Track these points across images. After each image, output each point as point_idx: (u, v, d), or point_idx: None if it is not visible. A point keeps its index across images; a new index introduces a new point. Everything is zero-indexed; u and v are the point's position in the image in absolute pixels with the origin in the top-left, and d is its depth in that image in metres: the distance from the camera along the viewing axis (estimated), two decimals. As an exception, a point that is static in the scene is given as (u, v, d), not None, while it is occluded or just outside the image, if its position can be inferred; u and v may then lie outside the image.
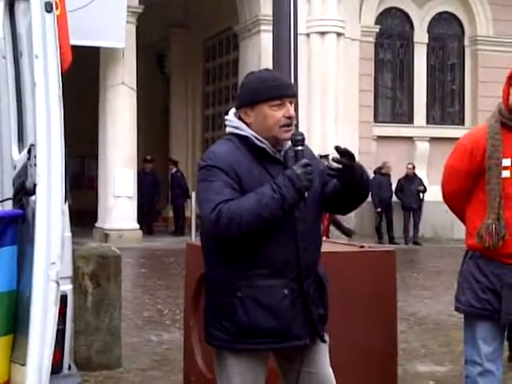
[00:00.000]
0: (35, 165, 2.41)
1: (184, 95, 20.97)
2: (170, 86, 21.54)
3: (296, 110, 5.28)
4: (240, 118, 2.87)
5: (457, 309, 3.72)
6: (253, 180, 2.74)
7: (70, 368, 3.15)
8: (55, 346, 2.79)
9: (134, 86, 15.63)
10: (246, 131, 2.83)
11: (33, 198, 2.46)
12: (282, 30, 4.92)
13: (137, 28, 15.72)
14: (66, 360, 3.07)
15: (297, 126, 5.36)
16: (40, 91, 2.37)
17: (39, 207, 2.38)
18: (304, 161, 2.73)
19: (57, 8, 6.13)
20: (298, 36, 15.27)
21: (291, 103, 2.83)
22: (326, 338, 2.96)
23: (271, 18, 6.94)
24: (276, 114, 2.80)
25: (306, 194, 2.73)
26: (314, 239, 2.88)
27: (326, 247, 4.69)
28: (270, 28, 7.11)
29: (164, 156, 20.80)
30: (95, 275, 5.64)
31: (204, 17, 18.79)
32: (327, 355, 2.96)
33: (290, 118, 2.81)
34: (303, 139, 2.80)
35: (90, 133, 17.54)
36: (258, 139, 2.81)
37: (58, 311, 2.41)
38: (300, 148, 2.78)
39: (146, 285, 10.33)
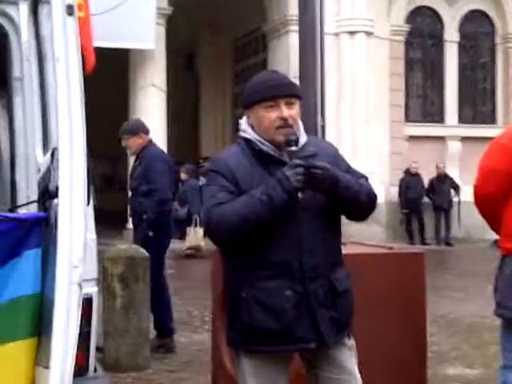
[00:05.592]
0: (58, 168, 2.42)
1: (213, 96, 21.02)
2: (200, 86, 21.60)
3: (323, 110, 5.26)
4: None
5: (501, 315, 3.54)
6: (253, 182, 2.72)
7: (95, 370, 3.14)
8: (81, 349, 2.79)
9: (164, 88, 15.69)
10: (250, 134, 2.83)
11: (55, 200, 2.47)
12: (308, 31, 4.89)
13: (166, 29, 15.79)
14: (92, 362, 3.07)
15: (323, 127, 5.35)
16: (62, 94, 2.37)
17: (61, 210, 2.38)
18: (294, 161, 2.68)
19: (81, 10, 6.18)
20: (327, 36, 15.28)
21: (289, 104, 2.77)
22: (349, 341, 2.91)
23: (299, 18, 6.92)
24: (270, 115, 2.76)
25: (300, 195, 2.68)
26: (323, 241, 2.79)
27: (354, 248, 4.68)
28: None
29: (194, 157, 20.86)
30: (124, 277, 5.66)
31: (233, 17, 18.81)
32: (351, 359, 2.89)
33: (283, 119, 2.75)
34: (297, 139, 2.75)
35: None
36: (261, 142, 2.79)
37: (80, 314, 2.41)
38: (293, 148, 2.73)
39: (175, 286, 10.28)
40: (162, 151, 6.57)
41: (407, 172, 16.16)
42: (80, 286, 2.38)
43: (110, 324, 5.67)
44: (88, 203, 2.46)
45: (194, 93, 22.03)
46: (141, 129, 6.37)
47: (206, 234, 2.82)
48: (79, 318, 2.40)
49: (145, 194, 6.12)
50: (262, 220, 2.67)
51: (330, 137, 15.46)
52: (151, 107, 15.53)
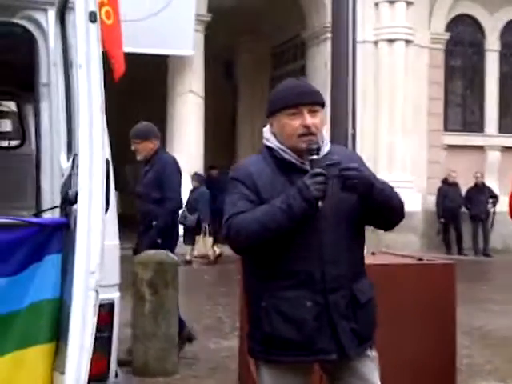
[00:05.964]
0: (78, 174, 2.43)
1: (251, 104, 21.00)
2: (238, 93, 21.62)
3: (354, 119, 5.22)
4: None
5: None
6: (274, 191, 2.70)
7: (116, 376, 3.14)
8: (101, 354, 2.80)
9: (202, 94, 15.75)
10: (273, 142, 2.82)
11: (75, 206, 2.48)
12: (341, 39, 4.86)
13: (205, 36, 15.86)
14: (113, 368, 3.07)
15: (354, 135, 5.30)
16: (83, 101, 2.39)
17: (80, 216, 2.39)
18: (315, 170, 2.65)
19: (109, 18, 6.21)
20: (366, 44, 15.15)
21: (312, 112, 2.76)
22: (372, 353, 2.86)
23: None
24: (292, 122, 2.75)
25: (321, 204, 2.64)
26: (345, 251, 2.76)
27: (383, 258, 4.63)
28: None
29: (231, 163, 20.89)
30: (153, 282, 5.67)
31: (272, 24, 18.82)
32: (374, 371, 2.85)
33: (306, 126, 2.74)
34: (318, 148, 2.73)
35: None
36: (283, 150, 2.78)
37: (96, 320, 2.41)
38: (315, 157, 2.70)
39: (208, 291, 10.36)
40: (173, 157, 6.45)
41: (445, 181, 15.99)
42: (97, 292, 2.39)
43: (139, 328, 5.68)
44: (107, 210, 2.46)
45: (232, 100, 22.05)
46: (152, 133, 6.26)
47: (225, 241, 2.80)
48: (95, 324, 2.41)
49: (156, 201, 6.02)
50: (282, 229, 2.64)
51: (367, 144, 15.42)
52: (189, 113, 15.61)
